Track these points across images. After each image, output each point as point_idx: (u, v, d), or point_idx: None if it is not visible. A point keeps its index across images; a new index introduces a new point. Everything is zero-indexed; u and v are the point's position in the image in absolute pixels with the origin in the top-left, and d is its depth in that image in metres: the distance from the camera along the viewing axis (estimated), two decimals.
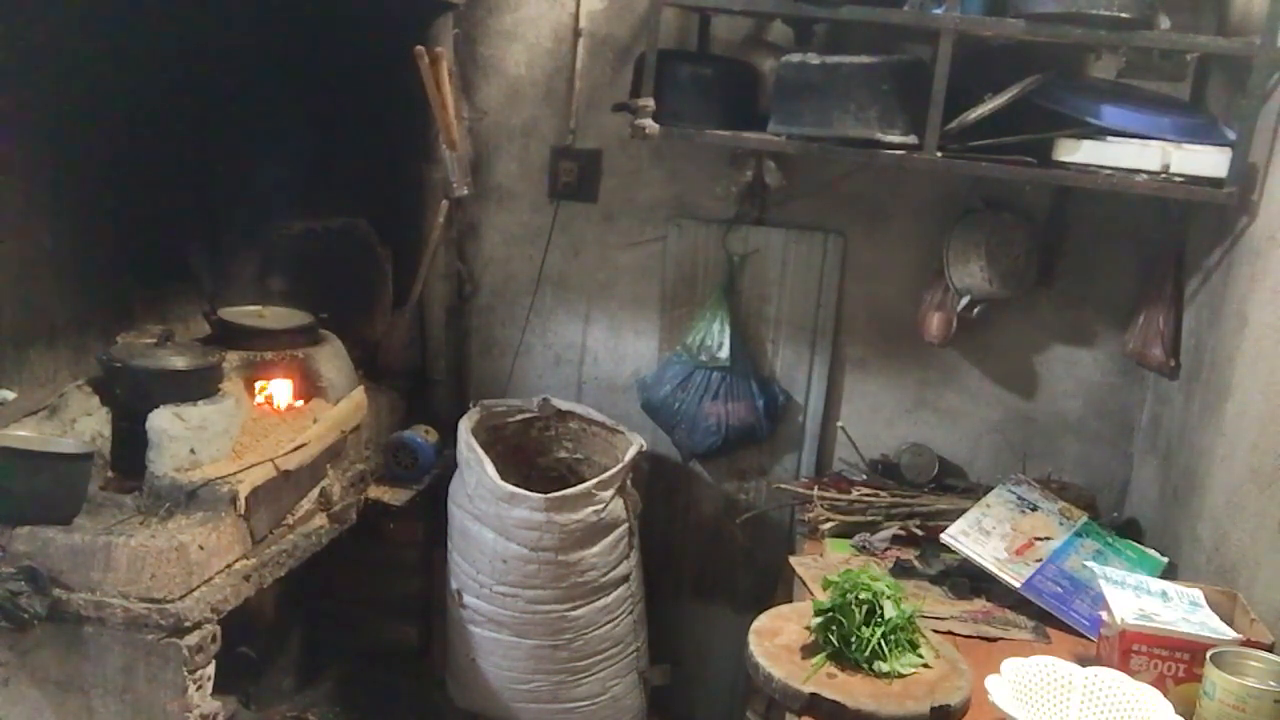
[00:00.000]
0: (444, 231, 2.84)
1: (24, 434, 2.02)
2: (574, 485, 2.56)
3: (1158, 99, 2.39)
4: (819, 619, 1.79)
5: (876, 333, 2.84)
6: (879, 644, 1.74)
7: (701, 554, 3.03)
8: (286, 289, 2.79)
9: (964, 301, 2.62)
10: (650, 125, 2.42)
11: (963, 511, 2.32)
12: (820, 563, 2.31)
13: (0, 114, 2.06)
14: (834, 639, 1.76)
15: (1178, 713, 1.58)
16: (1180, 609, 1.81)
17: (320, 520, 2.41)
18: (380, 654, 2.91)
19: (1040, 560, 2.18)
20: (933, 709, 1.64)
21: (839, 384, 2.88)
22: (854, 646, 1.74)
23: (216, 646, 2.03)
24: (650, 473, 2.93)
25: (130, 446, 2.11)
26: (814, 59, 2.34)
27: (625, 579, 2.66)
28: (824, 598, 1.85)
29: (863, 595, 1.79)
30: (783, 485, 2.80)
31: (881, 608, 1.78)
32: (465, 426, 2.68)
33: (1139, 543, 2.33)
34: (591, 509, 2.52)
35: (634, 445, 2.68)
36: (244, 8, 2.51)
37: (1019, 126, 2.30)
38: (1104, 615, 1.84)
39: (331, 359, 2.57)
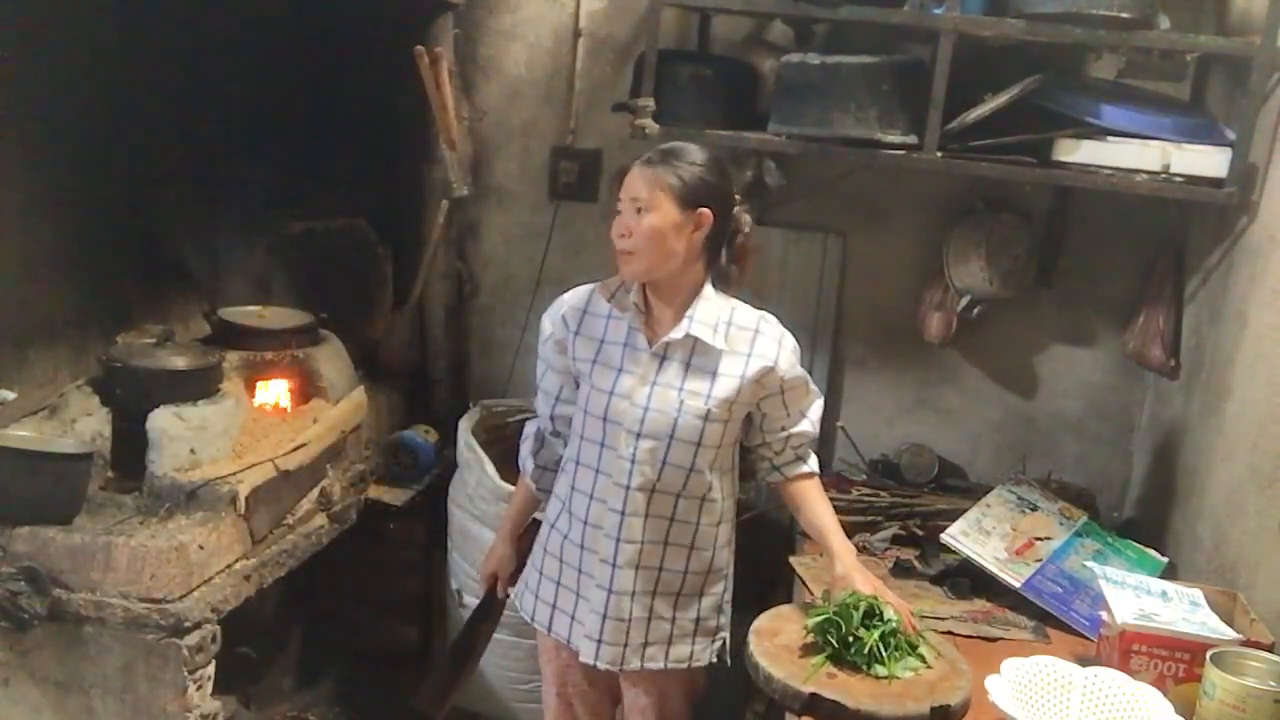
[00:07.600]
0: (444, 231, 2.84)
1: (24, 434, 2.02)
2: None
3: (1158, 99, 2.39)
4: (816, 619, 1.78)
5: (876, 333, 2.84)
6: (877, 648, 1.73)
7: None
8: (286, 289, 2.79)
9: (964, 301, 2.62)
10: (650, 125, 2.41)
11: (963, 511, 2.31)
12: (820, 563, 2.30)
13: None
14: (833, 640, 1.75)
15: (1178, 713, 1.58)
16: (1180, 609, 1.81)
17: (320, 520, 2.41)
18: (380, 654, 2.91)
19: (1040, 560, 2.18)
20: (933, 709, 1.64)
21: (839, 384, 2.88)
22: (852, 650, 1.73)
23: (216, 646, 2.03)
24: None
25: (130, 446, 2.11)
26: (814, 59, 2.33)
27: None
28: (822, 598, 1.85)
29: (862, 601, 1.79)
30: None
31: (880, 610, 1.77)
32: (465, 426, 2.67)
33: (1139, 543, 2.33)
34: None
35: None
36: (244, 8, 2.51)
37: (1019, 126, 2.30)
38: (1104, 615, 1.84)
39: (331, 359, 2.57)
